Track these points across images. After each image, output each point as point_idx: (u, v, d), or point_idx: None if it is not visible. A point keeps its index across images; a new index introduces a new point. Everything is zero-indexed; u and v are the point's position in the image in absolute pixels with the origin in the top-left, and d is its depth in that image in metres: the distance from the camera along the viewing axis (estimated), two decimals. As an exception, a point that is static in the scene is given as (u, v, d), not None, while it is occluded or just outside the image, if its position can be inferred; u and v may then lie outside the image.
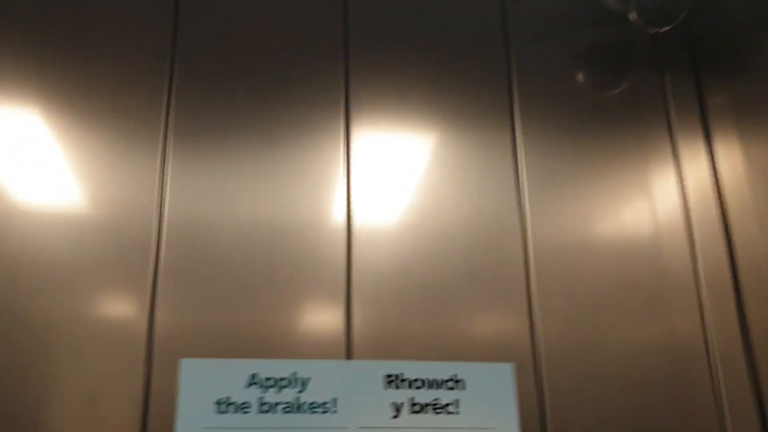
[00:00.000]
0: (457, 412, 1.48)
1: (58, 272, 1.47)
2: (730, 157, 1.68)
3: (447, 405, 1.49)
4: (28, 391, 1.40)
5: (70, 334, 1.44)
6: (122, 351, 1.46)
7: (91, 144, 1.56)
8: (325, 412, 1.46)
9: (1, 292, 1.44)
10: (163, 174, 1.55)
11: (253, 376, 1.46)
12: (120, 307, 1.48)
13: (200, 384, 1.44)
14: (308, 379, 1.48)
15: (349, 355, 1.51)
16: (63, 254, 1.48)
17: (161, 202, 1.54)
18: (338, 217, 1.59)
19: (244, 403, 1.44)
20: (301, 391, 1.47)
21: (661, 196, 1.68)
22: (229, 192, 1.58)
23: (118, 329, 1.47)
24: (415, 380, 1.49)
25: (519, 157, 1.67)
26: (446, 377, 1.50)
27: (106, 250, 1.49)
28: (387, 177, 1.66)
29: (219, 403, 1.44)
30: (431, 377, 1.50)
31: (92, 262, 1.48)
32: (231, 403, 1.44)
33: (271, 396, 1.46)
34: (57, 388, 1.42)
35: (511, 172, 1.66)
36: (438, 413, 1.48)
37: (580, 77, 1.80)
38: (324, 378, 1.48)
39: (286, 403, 1.46)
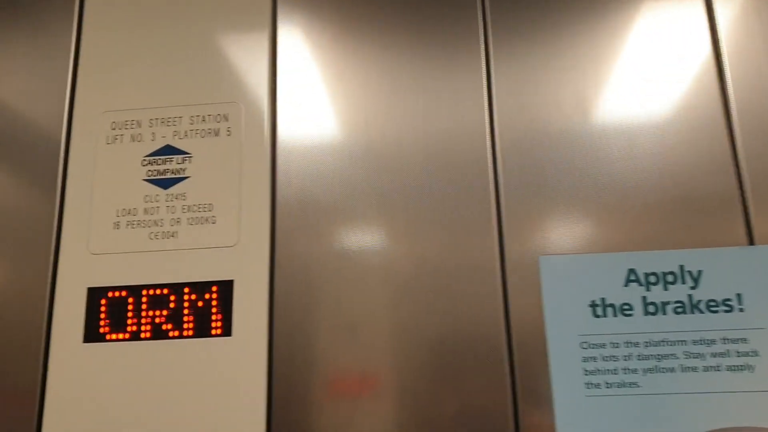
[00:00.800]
0: None
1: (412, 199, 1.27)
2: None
3: None
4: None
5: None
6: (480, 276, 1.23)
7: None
8: (728, 310, 1.16)
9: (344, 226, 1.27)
10: (489, 85, 1.29)
11: (631, 271, 1.19)
12: (470, 232, 1.25)
13: (567, 284, 1.19)
14: (700, 272, 1.18)
15: (750, 239, 1.19)
16: (406, 181, 1.28)
17: (491, 116, 1.28)
18: None
19: (624, 305, 1.18)
20: (693, 288, 1.17)
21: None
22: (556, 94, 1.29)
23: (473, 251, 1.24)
24: None
25: None
26: None
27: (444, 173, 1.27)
28: None
29: (593, 305, 1.18)
30: None
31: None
32: (609, 305, 1.18)
33: (656, 295, 1.18)
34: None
35: None
36: None
37: None
38: (721, 269, 1.17)
39: (677, 302, 1.17)
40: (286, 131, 1.32)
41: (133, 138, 1.32)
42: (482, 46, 1.32)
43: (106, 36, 1.39)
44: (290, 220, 1.26)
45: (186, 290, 1.22)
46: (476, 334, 1.18)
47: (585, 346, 1.17)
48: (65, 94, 1.36)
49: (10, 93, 1.37)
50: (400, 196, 1.26)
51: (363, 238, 1.25)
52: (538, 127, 1.27)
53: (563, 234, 1.22)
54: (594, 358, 1.16)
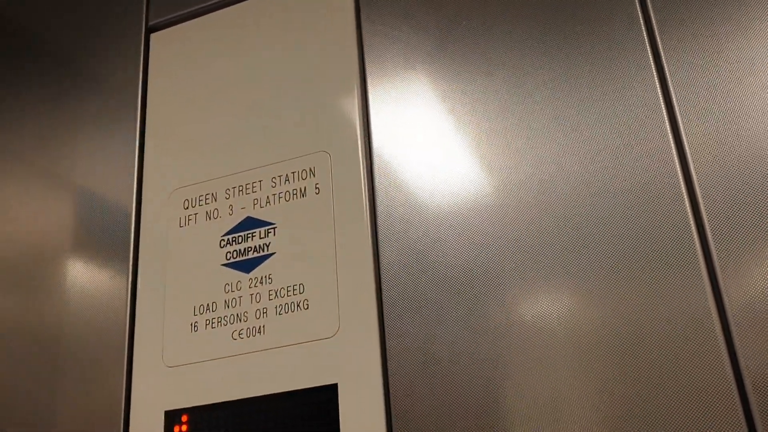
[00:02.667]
0: None
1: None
2: None
3: None
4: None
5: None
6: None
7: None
8: None
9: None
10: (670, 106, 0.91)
11: None
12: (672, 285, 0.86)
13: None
14: None
15: None
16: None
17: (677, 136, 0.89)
18: None
19: None
20: None
21: None
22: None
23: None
24: None
25: None
26: None
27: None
28: None
29: None
30: None
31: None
32: None
33: None
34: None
35: None
36: None
37: None
38: None
39: None
40: (384, 182, 1.01)
41: (208, 215, 1.07)
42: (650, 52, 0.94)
43: (172, 108, 1.17)
44: (401, 296, 0.94)
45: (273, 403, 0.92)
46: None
47: None
48: (133, 174, 1.14)
49: (74, 180, 1.18)
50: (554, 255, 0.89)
51: (503, 312, 0.89)
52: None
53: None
54: None
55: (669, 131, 0.90)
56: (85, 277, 1.11)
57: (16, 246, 1.17)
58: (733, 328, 0.80)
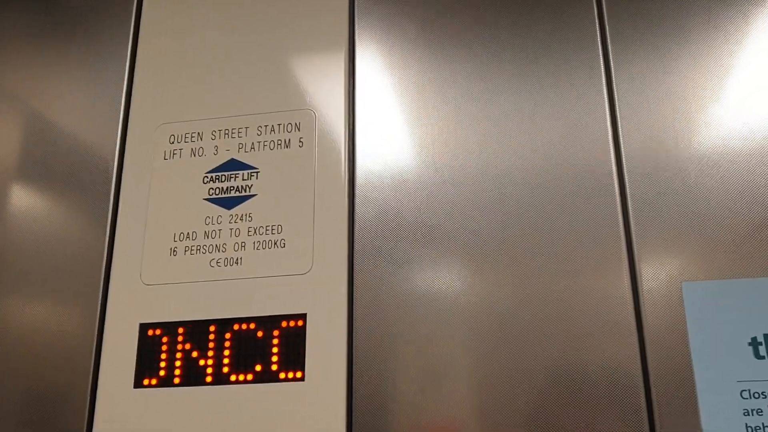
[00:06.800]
0: None
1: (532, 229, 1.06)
2: None
3: None
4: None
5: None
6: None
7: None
8: None
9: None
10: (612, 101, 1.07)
11: (803, 300, 0.94)
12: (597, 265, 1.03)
13: (719, 317, 0.95)
14: None
15: None
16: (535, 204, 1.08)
17: (615, 133, 1.06)
18: None
19: (794, 343, 0.92)
20: None
21: None
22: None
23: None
24: None
25: None
26: None
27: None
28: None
29: (755, 343, 0.93)
30: None
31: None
32: (775, 344, 0.93)
33: (840, 329, 0.92)
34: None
35: None
36: None
37: None
38: None
39: None
40: (365, 143, 1.13)
41: (193, 152, 1.16)
42: (600, 55, 1.10)
43: (164, 44, 1.24)
44: (371, 243, 1.07)
45: (251, 326, 1.03)
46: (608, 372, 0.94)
47: (747, 395, 0.92)
48: (119, 107, 1.21)
49: (62, 109, 1.23)
50: (500, 221, 1.04)
51: (455, 269, 1.04)
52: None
53: (706, 258, 0.98)
54: (760, 411, 0.91)
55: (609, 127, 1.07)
56: (68, 199, 1.17)
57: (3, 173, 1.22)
58: (646, 307, 0.98)
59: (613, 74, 1.09)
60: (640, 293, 0.98)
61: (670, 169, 1.03)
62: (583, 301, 0.98)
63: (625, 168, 1.05)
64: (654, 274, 0.98)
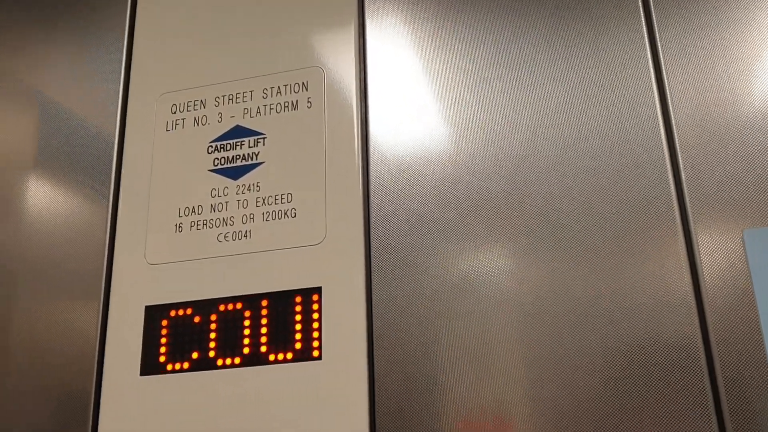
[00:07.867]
0: None
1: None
2: None
3: None
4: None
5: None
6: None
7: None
8: None
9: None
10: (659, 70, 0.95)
11: None
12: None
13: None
14: None
15: None
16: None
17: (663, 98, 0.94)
18: None
19: None
20: None
21: None
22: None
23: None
24: None
25: None
26: None
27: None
28: None
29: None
30: None
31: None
32: None
33: None
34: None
35: None
36: None
37: None
38: None
39: None
40: (378, 99, 1.03)
41: (196, 121, 1.08)
42: (643, 20, 0.98)
43: (163, 10, 1.16)
44: (387, 206, 0.97)
45: (263, 303, 0.95)
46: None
47: (821, 357, 0.80)
48: (119, 78, 1.14)
49: (59, 86, 1.16)
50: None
51: (494, 235, 0.93)
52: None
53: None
54: (839, 375, 0.79)
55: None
56: (68, 176, 1.10)
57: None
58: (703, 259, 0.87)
59: (658, 42, 0.97)
60: (698, 264, 0.86)
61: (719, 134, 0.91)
62: (640, 275, 0.87)
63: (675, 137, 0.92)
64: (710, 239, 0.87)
